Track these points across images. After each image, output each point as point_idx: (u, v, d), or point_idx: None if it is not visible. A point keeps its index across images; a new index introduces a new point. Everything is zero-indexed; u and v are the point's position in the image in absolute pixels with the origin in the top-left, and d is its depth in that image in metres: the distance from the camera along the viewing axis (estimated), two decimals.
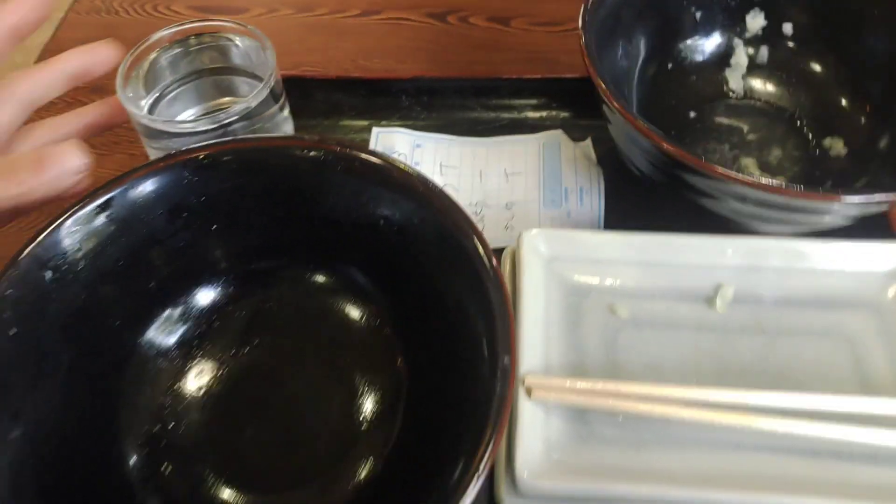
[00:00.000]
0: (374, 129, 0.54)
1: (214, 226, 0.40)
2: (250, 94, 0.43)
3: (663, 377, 0.40)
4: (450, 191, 0.52)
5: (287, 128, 0.49)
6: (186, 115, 0.48)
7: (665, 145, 0.38)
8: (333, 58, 0.62)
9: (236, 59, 0.48)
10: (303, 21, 0.66)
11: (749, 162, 0.50)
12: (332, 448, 0.37)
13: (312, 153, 0.38)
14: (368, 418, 0.38)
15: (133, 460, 0.36)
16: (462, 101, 0.56)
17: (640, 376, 0.40)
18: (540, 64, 0.61)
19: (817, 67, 0.52)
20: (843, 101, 0.51)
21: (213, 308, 0.41)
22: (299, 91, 0.56)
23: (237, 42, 0.48)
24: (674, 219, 0.43)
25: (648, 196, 0.48)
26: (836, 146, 0.50)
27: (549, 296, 0.42)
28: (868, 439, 0.36)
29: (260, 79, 0.45)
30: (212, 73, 0.48)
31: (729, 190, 0.38)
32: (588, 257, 0.43)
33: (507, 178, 0.52)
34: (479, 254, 0.33)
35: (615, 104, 0.41)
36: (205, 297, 0.41)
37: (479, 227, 0.49)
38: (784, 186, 0.36)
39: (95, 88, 0.59)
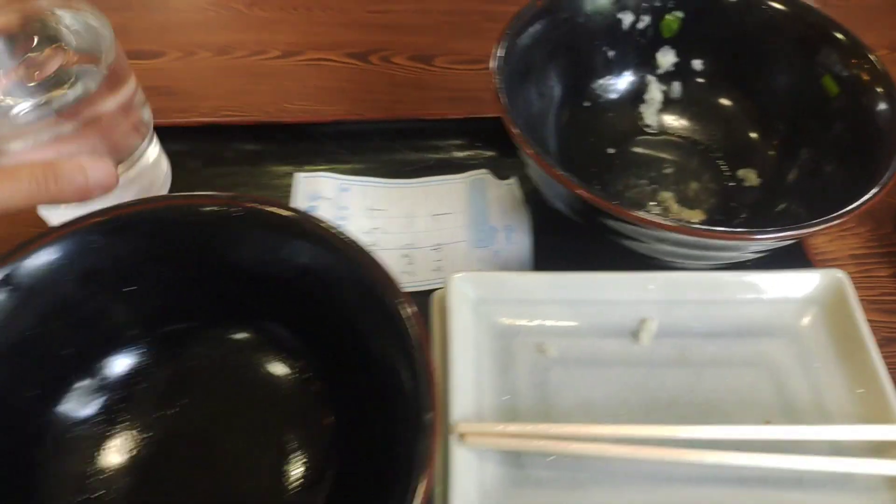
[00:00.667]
0: (298, 175, 0.53)
1: (129, 288, 0.38)
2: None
3: (594, 414, 0.40)
4: (379, 234, 0.52)
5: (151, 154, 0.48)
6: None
7: (579, 191, 0.39)
8: (253, 102, 0.61)
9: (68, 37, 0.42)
10: (221, 64, 0.65)
11: (667, 196, 0.51)
12: None
13: (225, 210, 0.37)
14: (297, 480, 0.37)
15: None
16: (387, 143, 0.56)
17: (571, 415, 0.40)
18: (464, 102, 0.62)
19: (727, 102, 0.54)
20: (753, 135, 0.53)
21: (134, 372, 0.39)
22: (218, 138, 0.55)
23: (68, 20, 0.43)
24: (602, 253, 0.44)
25: (576, 233, 0.49)
26: (750, 177, 0.52)
27: (478, 338, 0.42)
28: (793, 465, 0.37)
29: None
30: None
31: (646, 233, 0.39)
32: (516, 298, 0.43)
33: (434, 219, 0.52)
34: (398, 311, 0.33)
35: (528, 150, 0.41)
36: (123, 362, 0.39)
37: (409, 269, 0.50)
38: (697, 228, 0.37)
39: None
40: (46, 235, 0.35)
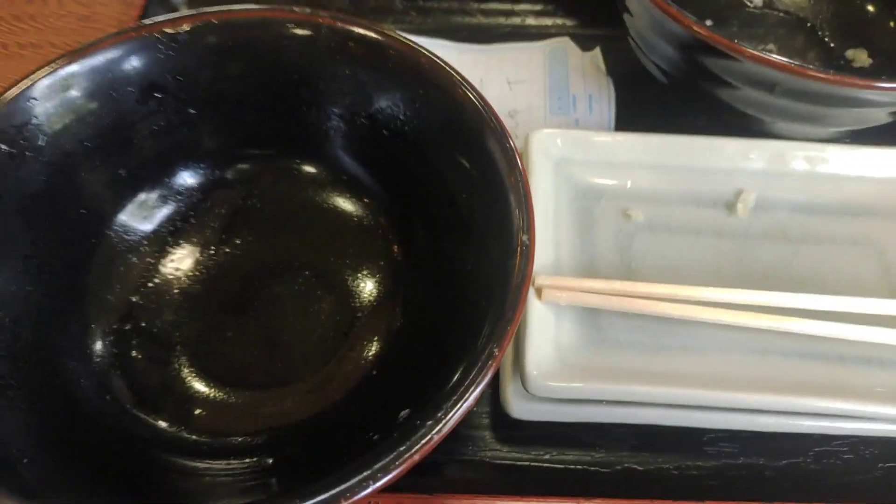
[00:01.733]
0: None
1: (191, 110, 0.36)
2: None
3: (681, 280, 0.37)
4: None
5: None
6: None
7: (694, 27, 0.35)
8: None
9: None
10: None
11: None
12: (321, 347, 0.34)
13: (303, 29, 0.34)
14: (362, 314, 0.34)
15: (100, 347, 0.33)
16: (461, 4, 0.52)
17: (655, 280, 0.37)
18: None
19: None
20: (870, 8, 0.48)
21: (191, 200, 0.37)
22: None
23: None
24: (690, 130, 0.40)
25: (663, 106, 0.45)
26: (860, 57, 0.47)
27: (559, 198, 0.39)
28: None
29: None
30: None
31: (759, 75, 0.35)
32: (601, 160, 0.40)
33: (510, 86, 0.49)
34: (490, 129, 0.30)
35: None
36: (181, 187, 0.37)
37: None
38: (819, 70, 0.33)
39: None
40: (109, 38, 0.33)
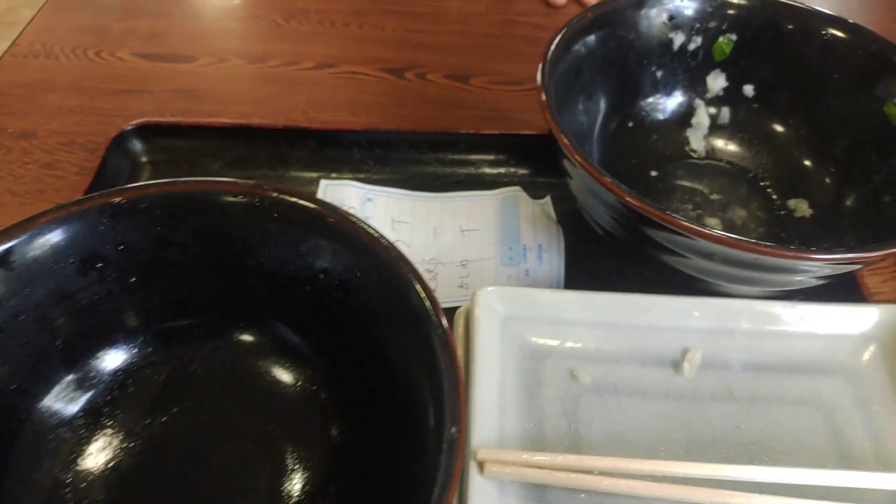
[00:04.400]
0: (323, 182, 0.51)
1: (132, 279, 0.36)
2: None
3: (629, 449, 0.36)
4: (402, 247, 0.49)
5: None
6: None
7: (629, 199, 0.36)
8: (283, 109, 0.59)
9: None
10: (253, 71, 0.63)
11: (714, 222, 0.48)
12: None
13: (246, 199, 0.35)
14: (297, 499, 0.33)
15: None
16: (417, 154, 0.54)
17: (603, 448, 0.36)
18: (498, 122, 0.60)
19: (779, 128, 0.51)
20: (807, 162, 0.49)
21: (126, 371, 0.36)
22: (244, 140, 0.53)
23: None
24: (637, 281, 0.41)
25: (610, 256, 0.46)
26: (801, 207, 0.48)
27: (504, 359, 0.38)
28: None
29: None
30: None
31: (695, 246, 0.36)
32: (548, 317, 0.40)
33: (462, 234, 0.50)
34: (426, 311, 0.30)
35: (577, 157, 0.39)
36: (116, 358, 0.36)
37: (432, 285, 0.47)
38: (753, 243, 0.34)
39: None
40: (48, 213, 0.33)
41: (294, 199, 0.34)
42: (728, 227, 0.48)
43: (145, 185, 0.35)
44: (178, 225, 0.35)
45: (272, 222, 0.35)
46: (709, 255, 0.36)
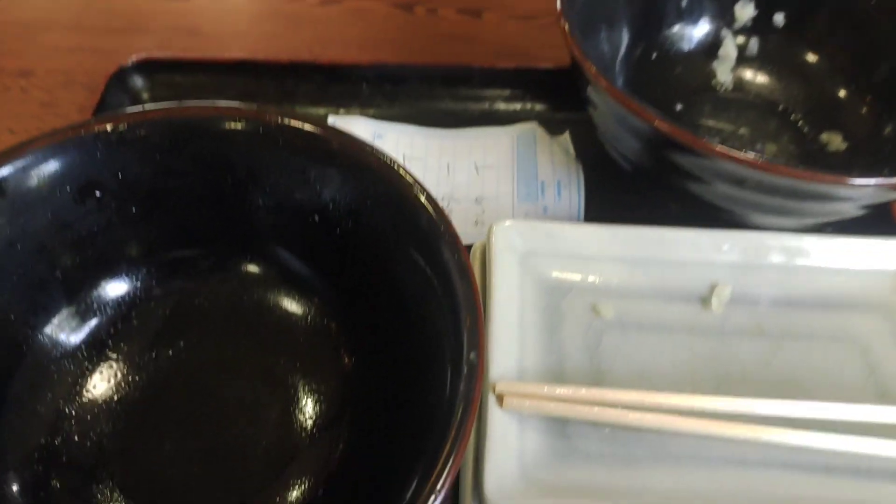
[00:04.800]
0: (331, 117, 0.49)
1: (133, 208, 0.34)
2: None
3: (654, 385, 0.34)
4: None
5: None
6: None
7: (657, 122, 0.34)
8: (288, 46, 0.57)
9: None
10: (256, 9, 0.61)
11: None
12: (266, 466, 0.31)
13: (249, 125, 0.33)
14: (309, 430, 0.32)
15: (18, 478, 0.30)
16: (429, 90, 0.51)
17: (626, 384, 0.34)
18: (512, 58, 0.56)
19: (812, 57, 0.48)
20: (842, 93, 0.47)
21: (129, 302, 0.35)
22: (250, 75, 0.51)
23: None
24: (661, 215, 0.39)
25: (632, 193, 0.44)
26: (835, 141, 0.46)
27: (524, 294, 0.37)
28: (890, 453, 0.32)
29: None
30: None
31: (727, 171, 0.34)
32: (569, 252, 0.38)
33: (477, 171, 0.47)
34: (440, 235, 0.28)
35: (603, 83, 0.36)
36: (118, 289, 0.35)
37: None
38: (791, 168, 0.32)
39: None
40: (42, 139, 0.31)
41: (299, 125, 0.32)
42: None
43: (143, 110, 0.33)
44: (178, 152, 0.33)
45: (277, 149, 0.33)
46: (739, 182, 0.34)
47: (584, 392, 0.32)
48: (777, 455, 0.32)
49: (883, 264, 0.38)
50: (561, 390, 0.32)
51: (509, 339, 0.34)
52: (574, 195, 0.45)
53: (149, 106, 0.33)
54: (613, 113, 0.37)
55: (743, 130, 0.48)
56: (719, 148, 0.32)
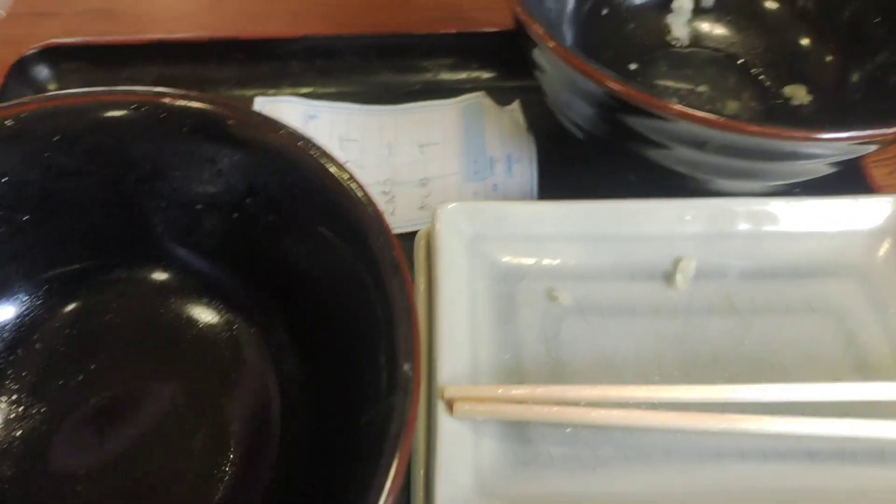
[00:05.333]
0: (258, 99, 0.45)
1: (24, 216, 0.30)
2: None
3: (619, 375, 0.32)
4: (352, 168, 0.44)
5: None
6: None
7: (610, 83, 0.30)
8: (208, 24, 0.52)
9: None
10: None
11: None
12: (196, 492, 0.28)
13: (148, 110, 0.29)
14: (239, 459, 0.28)
15: None
16: (364, 63, 0.47)
17: (590, 376, 0.32)
18: (454, 23, 0.52)
19: (771, 4, 0.45)
20: (804, 41, 0.44)
21: (31, 326, 0.31)
22: (167, 59, 0.47)
23: None
24: (620, 188, 0.36)
25: (589, 163, 0.41)
26: (799, 94, 0.43)
27: (473, 283, 0.33)
28: (873, 433, 0.29)
29: None
30: None
31: (686, 133, 0.31)
32: (521, 234, 0.35)
33: (421, 150, 0.44)
34: (367, 224, 0.25)
35: (549, 43, 0.33)
36: (15, 309, 0.31)
37: (389, 208, 0.42)
38: (753, 124, 0.29)
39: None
40: None
41: (205, 106, 0.28)
42: None
43: (19, 101, 0.28)
44: (69, 149, 0.29)
45: (182, 138, 0.29)
46: (701, 144, 0.31)
47: (542, 391, 0.29)
48: (755, 445, 0.29)
49: (856, 225, 0.35)
50: (517, 391, 0.29)
51: (459, 336, 0.31)
52: (526, 170, 0.42)
53: (24, 98, 0.28)
54: (563, 76, 0.34)
55: (702, 88, 0.44)
56: (677, 108, 0.29)
